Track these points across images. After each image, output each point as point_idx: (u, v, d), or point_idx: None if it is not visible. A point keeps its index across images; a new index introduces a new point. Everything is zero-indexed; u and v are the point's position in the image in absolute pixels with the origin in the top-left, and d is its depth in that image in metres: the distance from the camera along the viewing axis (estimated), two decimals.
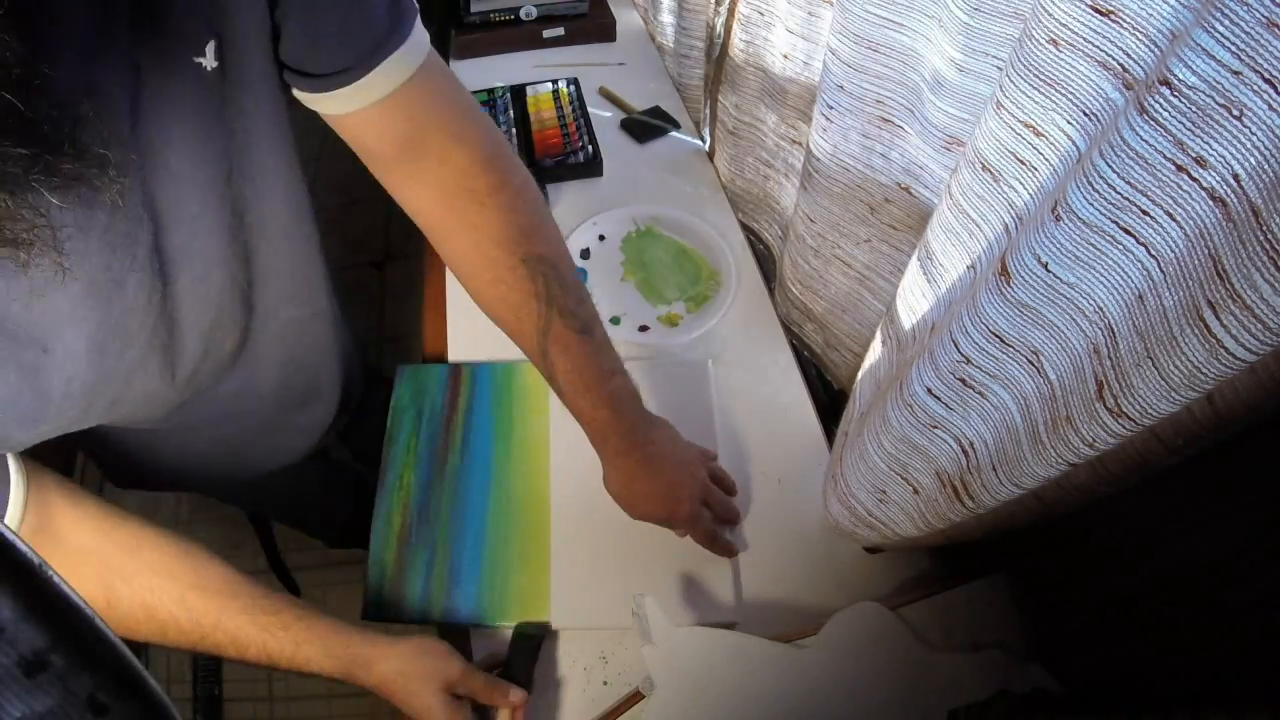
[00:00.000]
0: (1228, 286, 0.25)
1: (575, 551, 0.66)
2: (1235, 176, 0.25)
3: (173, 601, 0.50)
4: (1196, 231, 0.27)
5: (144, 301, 0.44)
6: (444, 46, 1.26)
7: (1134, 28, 0.29)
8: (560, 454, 0.72)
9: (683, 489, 0.61)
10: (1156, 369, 0.29)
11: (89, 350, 0.42)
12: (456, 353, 0.83)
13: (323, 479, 1.05)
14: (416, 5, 0.49)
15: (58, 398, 0.42)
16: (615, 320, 0.85)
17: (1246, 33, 0.23)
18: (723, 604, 0.63)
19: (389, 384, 0.79)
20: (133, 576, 0.50)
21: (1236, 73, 0.23)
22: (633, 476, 0.60)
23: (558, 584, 0.64)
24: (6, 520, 0.43)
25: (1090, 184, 0.30)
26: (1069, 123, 0.34)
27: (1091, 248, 0.31)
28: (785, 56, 0.72)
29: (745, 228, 0.95)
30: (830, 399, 0.82)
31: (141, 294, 0.44)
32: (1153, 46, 0.29)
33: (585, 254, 0.91)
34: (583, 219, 0.93)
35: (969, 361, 0.40)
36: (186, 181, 0.44)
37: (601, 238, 0.93)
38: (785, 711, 0.54)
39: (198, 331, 0.51)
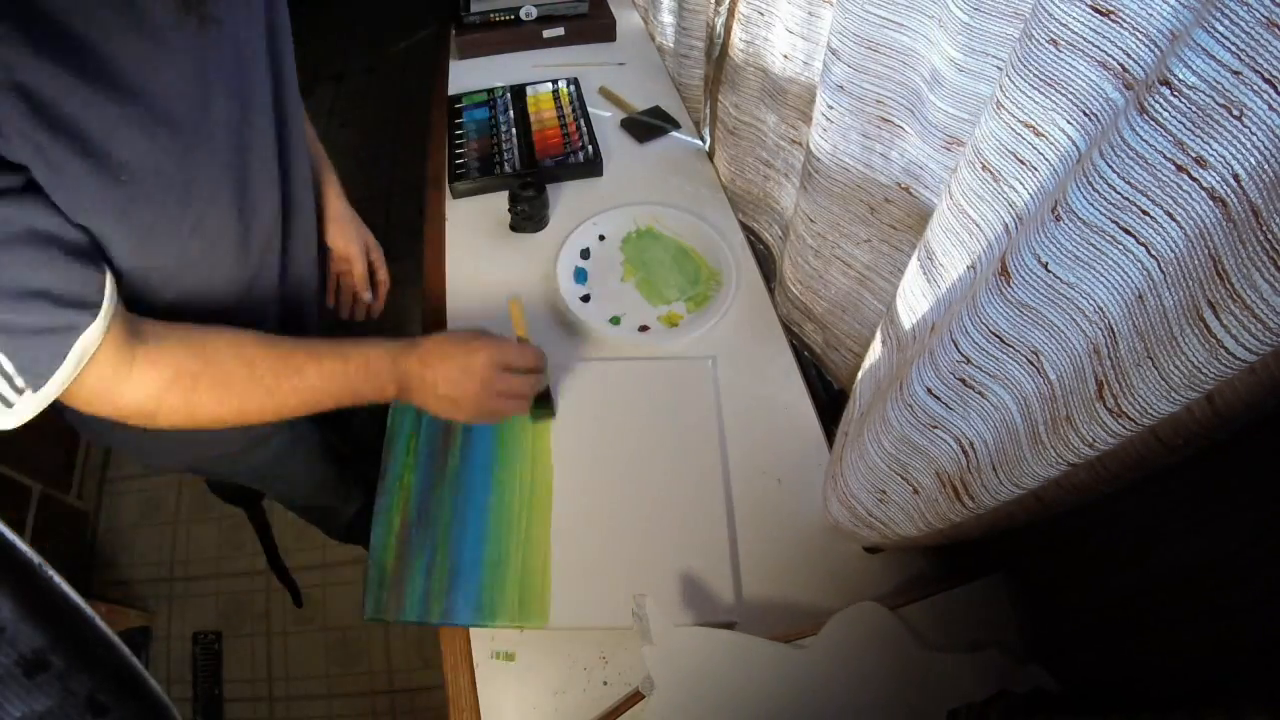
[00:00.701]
0: (1228, 286, 0.25)
1: (575, 551, 0.66)
2: (1235, 176, 0.25)
3: (255, 342, 0.57)
4: (1196, 231, 0.27)
5: (224, 120, 0.52)
6: (444, 46, 1.26)
7: (1134, 28, 0.29)
8: (561, 454, 0.72)
9: None
10: (1156, 369, 0.29)
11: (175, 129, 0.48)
12: None
13: (337, 472, 1.05)
14: None
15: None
16: (615, 320, 0.85)
17: (1246, 33, 0.23)
18: (723, 604, 0.63)
19: None
20: (219, 334, 0.56)
21: (1236, 73, 0.23)
22: None
23: (558, 584, 0.64)
24: (106, 295, 0.48)
25: (1090, 184, 0.30)
26: (1069, 123, 0.34)
27: (1091, 248, 0.31)
28: (785, 56, 0.72)
29: (745, 228, 0.95)
30: (830, 399, 0.82)
31: (224, 112, 0.52)
32: (1153, 46, 0.29)
33: (585, 254, 0.91)
34: (583, 219, 0.93)
35: (969, 361, 0.40)
36: (247, 24, 0.53)
37: (601, 238, 0.93)
38: (785, 711, 0.54)
39: (260, 169, 0.58)
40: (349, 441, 1.09)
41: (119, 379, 0.50)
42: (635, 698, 0.57)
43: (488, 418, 0.64)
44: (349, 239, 0.83)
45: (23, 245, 0.43)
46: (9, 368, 0.44)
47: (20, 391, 0.45)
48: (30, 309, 0.44)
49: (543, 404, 0.72)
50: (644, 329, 0.84)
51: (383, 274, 0.88)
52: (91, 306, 0.47)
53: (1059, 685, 0.52)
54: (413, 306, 0.91)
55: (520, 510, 0.69)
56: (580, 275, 0.89)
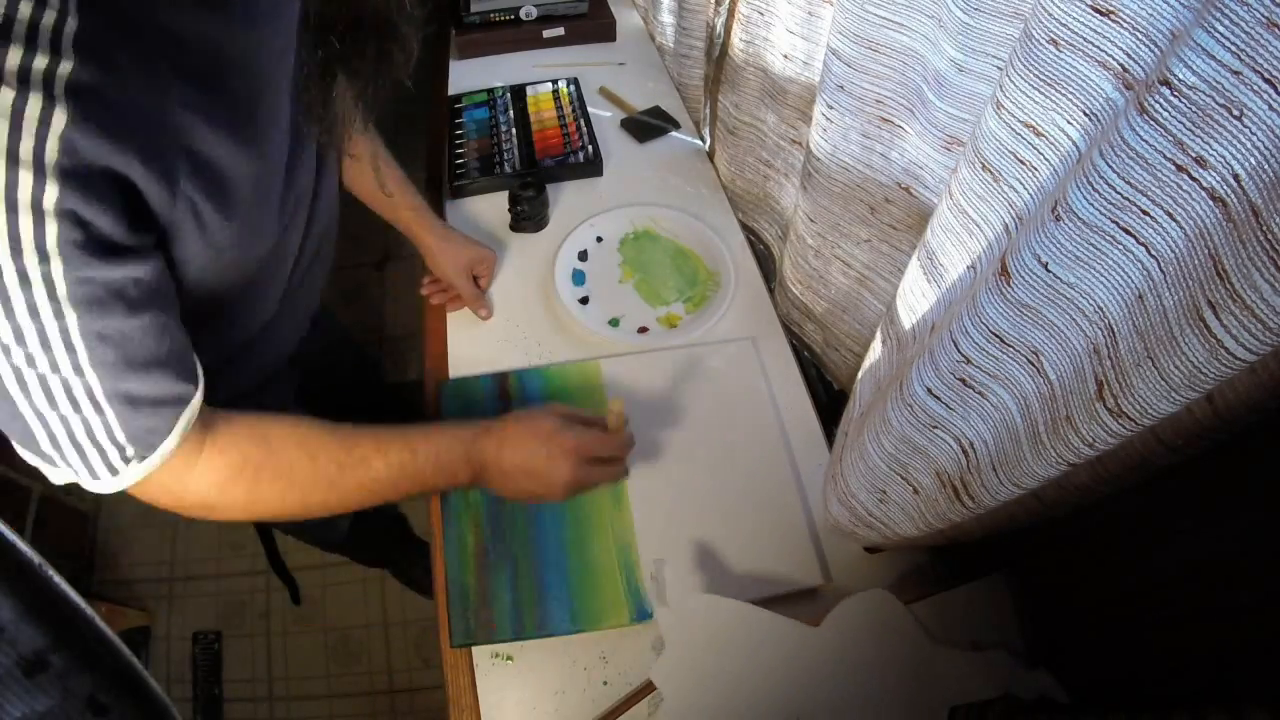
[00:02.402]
0: (1228, 286, 0.25)
1: (661, 538, 0.66)
2: (1235, 176, 0.25)
3: (319, 432, 0.54)
4: (1196, 231, 0.27)
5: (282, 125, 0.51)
6: (444, 46, 1.26)
7: (1134, 28, 0.29)
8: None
9: None
10: (1156, 369, 0.29)
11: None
12: (457, 353, 0.83)
13: None
14: None
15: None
16: (614, 322, 0.85)
17: (1246, 33, 0.23)
18: (808, 571, 0.64)
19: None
20: (282, 423, 0.54)
21: (1236, 73, 0.23)
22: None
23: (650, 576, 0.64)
24: (198, 365, 0.47)
25: (1090, 184, 0.30)
26: (1069, 123, 0.34)
27: (1091, 248, 0.31)
28: (785, 56, 0.72)
29: (745, 228, 0.95)
30: (830, 399, 0.82)
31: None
32: (1153, 46, 0.29)
33: (583, 256, 0.91)
34: (583, 219, 0.93)
35: (969, 361, 0.40)
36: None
37: (599, 239, 0.93)
38: (788, 685, 0.54)
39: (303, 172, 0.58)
40: None
41: (187, 467, 0.47)
42: (635, 698, 0.57)
43: (563, 500, 0.62)
44: (443, 265, 0.84)
45: (155, 311, 0.42)
46: (120, 437, 0.42)
47: (128, 461, 0.44)
48: (155, 379, 0.43)
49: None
50: (643, 330, 0.84)
51: (484, 282, 0.88)
52: (195, 377, 0.46)
53: (1065, 693, 0.52)
54: (414, 308, 0.91)
55: (599, 509, 0.68)
56: (578, 277, 0.89)
